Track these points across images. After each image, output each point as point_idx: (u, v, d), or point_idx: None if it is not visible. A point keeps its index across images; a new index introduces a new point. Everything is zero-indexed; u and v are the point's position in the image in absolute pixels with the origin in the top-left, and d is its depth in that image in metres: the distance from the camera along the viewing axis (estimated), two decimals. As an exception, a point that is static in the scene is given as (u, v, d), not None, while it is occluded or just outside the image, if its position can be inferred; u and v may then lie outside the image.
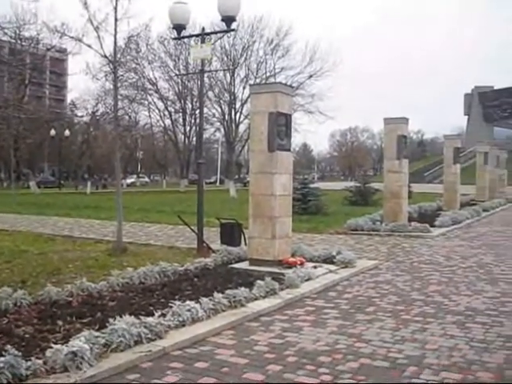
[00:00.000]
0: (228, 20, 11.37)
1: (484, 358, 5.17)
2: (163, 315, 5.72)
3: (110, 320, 5.33)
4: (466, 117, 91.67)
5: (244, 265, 9.29)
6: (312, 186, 22.83)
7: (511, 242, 13.56)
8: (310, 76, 48.44)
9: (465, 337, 5.81)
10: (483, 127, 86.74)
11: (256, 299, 6.96)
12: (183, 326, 5.73)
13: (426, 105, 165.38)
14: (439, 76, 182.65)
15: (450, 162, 23.23)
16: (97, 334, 4.93)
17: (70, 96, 63.25)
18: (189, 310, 5.90)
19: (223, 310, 6.37)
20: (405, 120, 16.43)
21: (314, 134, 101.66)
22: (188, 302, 6.08)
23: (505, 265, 10.32)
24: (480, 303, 7.31)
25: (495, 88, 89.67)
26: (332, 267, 9.36)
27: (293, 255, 9.52)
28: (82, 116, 64.04)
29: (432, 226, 15.88)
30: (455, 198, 22.58)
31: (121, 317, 5.39)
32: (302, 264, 9.06)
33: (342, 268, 9.43)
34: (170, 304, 6.08)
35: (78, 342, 4.59)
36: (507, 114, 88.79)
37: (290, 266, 8.86)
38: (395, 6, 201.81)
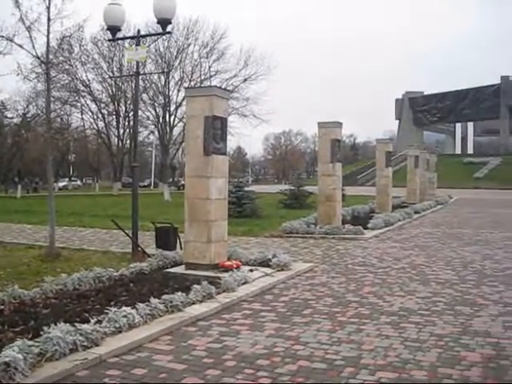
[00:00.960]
0: (163, 22, 11.31)
1: (418, 356, 5.30)
2: (99, 322, 5.62)
3: (44, 328, 5.19)
4: (398, 121, 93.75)
5: (180, 269, 9.22)
6: (247, 189, 22.90)
7: (442, 243, 13.90)
8: (245, 79, 48.50)
9: (399, 337, 5.94)
10: (414, 131, 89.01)
11: (193, 304, 6.92)
12: (120, 332, 5.64)
13: (359, 109, 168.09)
14: (372, 81, 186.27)
15: (381, 165, 23.68)
16: (30, 342, 4.80)
17: (0, 97, 61.33)
18: (125, 316, 5.82)
19: (160, 316, 6.31)
20: (338, 124, 16.66)
21: (249, 137, 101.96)
22: (124, 308, 6.00)
23: (436, 265, 10.58)
24: (413, 303, 7.47)
25: (425, 94, 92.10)
26: (268, 270, 9.38)
27: (229, 259, 9.51)
28: (11, 117, 62.29)
29: (365, 228, 16.13)
30: (387, 200, 23.03)
31: (55, 324, 5.27)
32: (238, 267, 9.05)
33: (278, 271, 9.47)
34: (106, 310, 5.98)
35: (11, 352, 4.45)
36: (436, 119, 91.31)
37: (227, 269, 8.85)
38: (333, 11, 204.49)
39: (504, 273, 9.86)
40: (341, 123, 16.72)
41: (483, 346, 5.65)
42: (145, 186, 70.75)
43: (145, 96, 45.24)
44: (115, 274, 8.43)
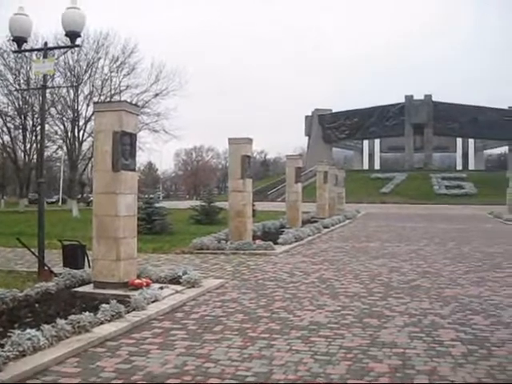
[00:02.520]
0: (72, 35, 11.08)
1: (328, 370, 5.38)
2: (1, 346, 5.38)
3: None
4: (307, 138, 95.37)
5: (88, 288, 8.98)
6: (157, 205, 22.64)
7: (350, 257, 14.20)
8: (156, 95, 48.23)
9: (309, 351, 6.00)
10: (323, 148, 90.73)
11: (101, 323, 6.74)
12: (24, 356, 5.40)
13: (270, 125, 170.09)
14: (282, 98, 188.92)
15: (291, 181, 24.00)
16: None
17: None
18: (29, 339, 5.58)
19: (67, 337, 6.10)
20: (249, 140, 16.79)
21: (160, 152, 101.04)
22: (28, 330, 5.76)
23: (345, 279, 10.79)
24: (323, 317, 7.58)
25: (333, 111, 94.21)
26: (178, 287, 9.29)
27: (138, 276, 9.34)
28: None
29: (276, 243, 16.27)
30: (297, 215, 23.33)
31: (-47, 349, 5.01)
32: (148, 285, 8.91)
33: (189, 288, 9.39)
34: (9, 333, 5.73)
35: None
36: (345, 136, 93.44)
37: (136, 287, 8.69)
38: (243, 28, 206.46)
39: (409, 285, 10.18)
40: (251, 139, 16.86)
41: (390, 357, 5.80)
42: (53, 203, 68.65)
43: (53, 110, 44.15)
44: (20, 294, 8.10)
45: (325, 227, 23.14)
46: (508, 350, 6.09)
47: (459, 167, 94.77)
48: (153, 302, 8.12)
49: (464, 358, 5.80)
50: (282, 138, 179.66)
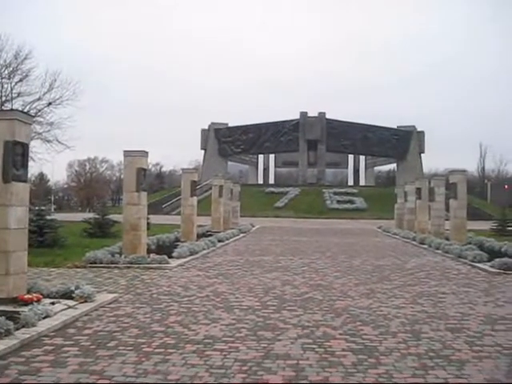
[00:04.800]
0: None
1: (224, 381, 5.46)
2: None
3: None
4: (203, 151, 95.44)
5: (-26, 304, 8.60)
6: (49, 217, 21.95)
7: (244, 271, 14.34)
8: (50, 103, 46.91)
9: (205, 364, 6.03)
10: (219, 162, 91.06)
11: (-12, 341, 6.49)
12: None
13: (166, 138, 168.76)
14: (179, 111, 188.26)
15: (187, 194, 23.94)
16: None
17: None
18: None
19: (-50, 355, 5.84)
20: (144, 153, 16.65)
21: (52, 163, 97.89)
22: None
23: (239, 293, 10.89)
24: (218, 331, 7.62)
25: (230, 125, 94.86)
26: (71, 303, 9.07)
27: (29, 292, 9.04)
28: None
29: (170, 257, 16.20)
30: (192, 229, 23.29)
31: None
32: (38, 300, 8.63)
33: (82, 303, 9.19)
34: None
35: None
36: (240, 150, 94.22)
37: (26, 303, 8.40)
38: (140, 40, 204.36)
39: (302, 297, 10.41)
40: (147, 152, 16.73)
41: (284, 369, 5.93)
42: None
43: None
44: None
45: (220, 241, 23.23)
46: (395, 358, 6.37)
47: (350, 183, 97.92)
48: (44, 317, 7.89)
49: (354, 367, 6.02)
50: (179, 151, 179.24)
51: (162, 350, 6.57)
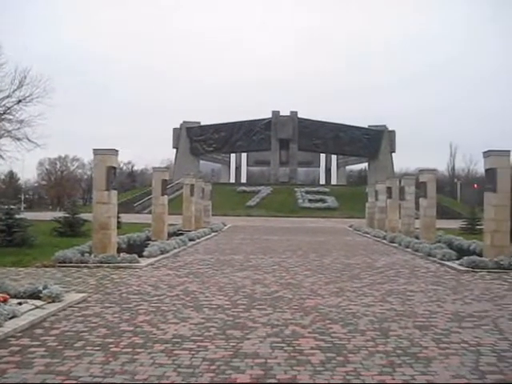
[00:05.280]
0: None
1: (191, 381, 5.43)
2: None
3: None
4: (175, 150, 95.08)
5: None
6: (18, 216, 21.68)
7: (215, 270, 14.31)
8: (20, 101, 46.31)
9: (173, 364, 6.01)
10: (190, 160, 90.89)
11: (-47, 342, 6.39)
12: None
13: (138, 136, 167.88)
14: (151, 108, 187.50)
15: (157, 193, 23.87)
16: None
17: None
18: None
19: None
20: (114, 151, 16.55)
21: (22, 161, 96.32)
22: None
23: (209, 292, 10.86)
24: (187, 330, 7.60)
25: (202, 124, 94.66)
26: (38, 303, 8.96)
27: (-5, 292, 8.95)
28: None
29: (141, 256, 16.11)
30: (163, 228, 23.21)
31: None
32: (5, 301, 8.52)
33: (50, 303, 9.09)
34: None
35: None
36: (212, 149, 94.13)
37: (-7, 303, 8.31)
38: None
39: (272, 296, 10.43)
40: (117, 150, 16.62)
41: (252, 367, 5.94)
42: None
43: None
44: None
45: (190, 240, 23.16)
46: (363, 356, 6.41)
47: (322, 182, 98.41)
48: (10, 318, 7.78)
49: (322, 365, 6.05)
50: (151, 150, 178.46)
51: (129, 350, 6.53)
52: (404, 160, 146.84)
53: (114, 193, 16.47)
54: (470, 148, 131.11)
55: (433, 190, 23.47)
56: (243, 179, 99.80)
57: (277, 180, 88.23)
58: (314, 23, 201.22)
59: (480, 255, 16.09)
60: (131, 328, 7.69)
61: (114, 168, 16.50)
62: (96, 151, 16.41)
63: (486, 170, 16.66)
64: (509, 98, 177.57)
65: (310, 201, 72.38)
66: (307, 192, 76.58)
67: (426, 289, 11.60)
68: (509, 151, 16.19)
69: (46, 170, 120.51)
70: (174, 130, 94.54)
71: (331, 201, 71.61)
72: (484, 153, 16.66)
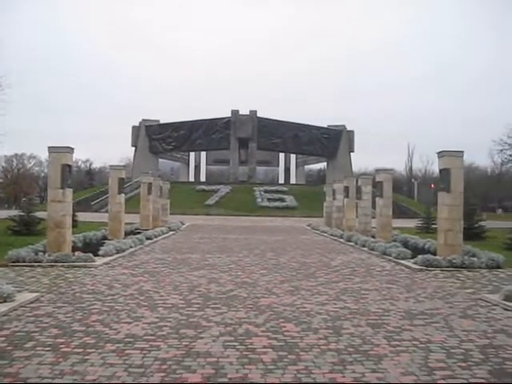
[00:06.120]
0: None
1: (142, 381, 5.43)
2: None
3: None
4: (134, 148, 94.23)
5: None
6: (-29, 215, 21.34)
7: (171, 269, 14.26)
8: (-29, 97, 45.37)
9: (124, 364, 5.99)
10: (149, 159, 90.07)
11: None
12: None
13: (96, 134, 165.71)
14: (109, 106, 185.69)
15: (114, 191, 23.64)
16: None
17: None
18: None
19: None
20: (70, 149, 16.35)
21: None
22: None
23: (164, 291, 10.82)
24: (139, 329, 7.57)
25: (161, 122, 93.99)
26: (-11, 302, 8.83)
27: None
28: None
29: (96, 255, 15.96)
30: (120, 227, 22.99)
31: None
32: (-46, 301, 8.39)
33: (1, 303, 8.94)
34: None
35: None
36: (171, 147, 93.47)
37: None
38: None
39: (227, 295, 10.44)
40: (72, 148, 16.43)
41: (204, 366, 5.95)
42: None
43: None
44: None
45: (148, 238, 23.04)
46: (315, 354, 6.46)
47: (281, 181, 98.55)
48: (-42, 318, 7.65)
49: (274, 363, 6.09)
50: (109, 148, 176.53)
51: (80, 350, 6.47)
52: (364, 160, 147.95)
53: (70, 191, 16.27)
54: (427, 148, 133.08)
55: (389, 190, 23.74)
56: (202, 178, 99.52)
57: (236, 179, 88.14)
58: (276, 25, 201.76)
59: (434, 254, 16.36)
60: (83, 328, 7.62)
61: (69, 166, 16.31)
62: (51, 149, 16.18)
63: (440, 170, 16.94)
64: (464, 98, 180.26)
65: (268, 200, 72.42)
66: (266, 191, 76.62)
67: (380, 287, 11.75)
68: (462, 152, 16.49)
69: (2, 167, 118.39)
70: (133, 128, 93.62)
71: (290, 200, 71.80)
72: (438, 153, 16.94)
